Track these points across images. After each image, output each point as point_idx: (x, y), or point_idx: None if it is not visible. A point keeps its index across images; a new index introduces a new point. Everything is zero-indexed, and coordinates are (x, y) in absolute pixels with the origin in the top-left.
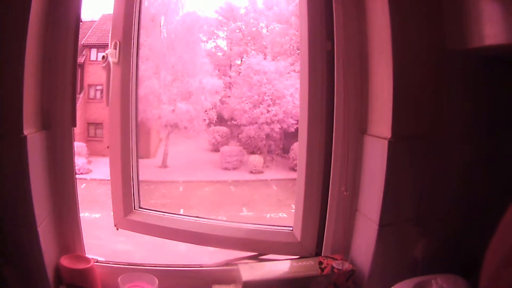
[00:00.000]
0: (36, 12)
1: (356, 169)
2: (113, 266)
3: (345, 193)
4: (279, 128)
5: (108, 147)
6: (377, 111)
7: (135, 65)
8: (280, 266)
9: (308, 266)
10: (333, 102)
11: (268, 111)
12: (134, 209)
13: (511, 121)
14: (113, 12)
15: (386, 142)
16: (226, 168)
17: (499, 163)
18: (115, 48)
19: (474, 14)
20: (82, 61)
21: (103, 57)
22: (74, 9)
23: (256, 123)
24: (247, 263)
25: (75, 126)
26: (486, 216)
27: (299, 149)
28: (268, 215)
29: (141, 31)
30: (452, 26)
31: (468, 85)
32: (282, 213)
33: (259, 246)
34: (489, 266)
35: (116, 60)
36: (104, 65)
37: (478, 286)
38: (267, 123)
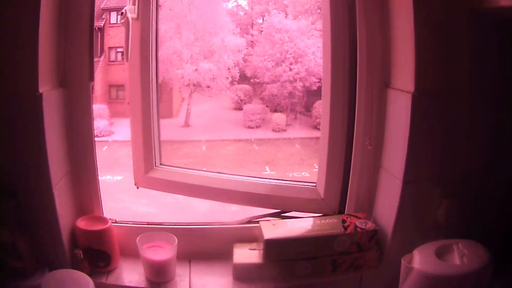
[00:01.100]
0: None
1: (380, 124)
2: (131, 226)
3: (369, 147)
4: (302, 86)
5: (128, 103)
6: (400, 65)
7: (155, 22)
8: (303, 224)
9: (331, 224)
10: (356, 56)
11: (290, 69)
12: (155, 166)
13: None
14: None
15: (410, 95)
16: (249, 127)
17: None
18: (133, 4)
19: None
20: (102, 25)
21: (122, 13)
22: None
23: (278, 81)
24: (269, 220)
25: (92, 80)
26: (500, 182)
27: (323, 104)
28: (290, 174)
29: None
30: None
31: (490, 47)
32: (305, 172)
33: (282, 203)
34: None
35: (135, 15)
36: (123, 21)
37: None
38: (289, 81)
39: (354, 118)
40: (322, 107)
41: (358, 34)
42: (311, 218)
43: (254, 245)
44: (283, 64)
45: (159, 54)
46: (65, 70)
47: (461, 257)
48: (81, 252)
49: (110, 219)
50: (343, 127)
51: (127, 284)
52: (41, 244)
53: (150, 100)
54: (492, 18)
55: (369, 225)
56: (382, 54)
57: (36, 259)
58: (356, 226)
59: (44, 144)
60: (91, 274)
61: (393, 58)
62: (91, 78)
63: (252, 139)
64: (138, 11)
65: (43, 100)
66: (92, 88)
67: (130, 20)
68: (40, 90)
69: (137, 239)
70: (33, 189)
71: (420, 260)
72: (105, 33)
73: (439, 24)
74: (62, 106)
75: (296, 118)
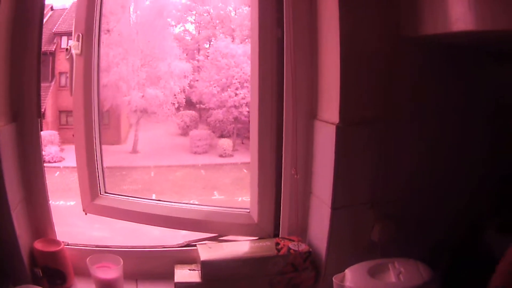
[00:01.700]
0: (3, 7)
1: (308, 153)
2: (81, 249)
3: (296, 176)
4: (247, 111)
5: (73, 135)
6: (326, 97)
7: (97, 56)
8: (238, 246)
9: (265, 247)
10: (283, 88)
11: (236, 94)
12: (100, 194)
13: (465, 107)
14: (76, 4)
15: (334, 127)
16: (196, 152)
17: (455, 147)
18: (77, 41)
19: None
20: (53, 49)
21: (67, 49)
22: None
23: (224, 106)
24: (206, 243)
25: (40, 117)
26: (446, 200)
27: (251, 133)
28: (240, 199)
29: (110, 19)
30: (407, 13)
31: (421, 71)
32: None
33: (219, 227)
34: None
35: (79, 52)
36: (67, 57)
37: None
38: (235, 107)
39: (282, 147)
40: (250, 136)
41: (285, 67)
42: (247, 241)
43: (193, 266)
44: (228, 89)
45: (107, 80)
46: (17, 105)
47: (397, 275)
48: (40, 270)
49: (63, 242)
50: (272, 155)
51: None
52: (4, 262)
53: (93, 129)
54: (422, 44)
55: (303, 247)
56: (309, 86)
57: (0, 275)
58: (289, 248)
59: (1, 173)
60: None
61: (319, 91)
62: (39, 114)
63: (199, 165)
64: (81, 48)
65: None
66: (43, 115)
67: (74, 56)
68: None
69: (87, 259)
70: None
71: (352, 278)
72: (56, 58)
73: (366, 55)
74: (15, 139)
75: (242, 143)
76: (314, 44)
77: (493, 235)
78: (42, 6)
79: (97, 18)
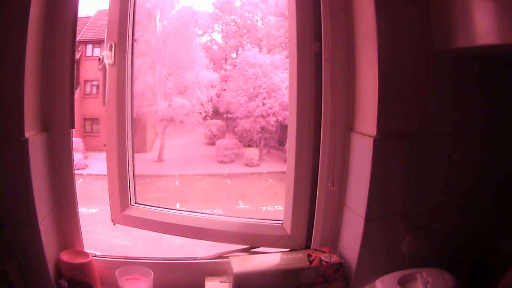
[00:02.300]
0: (35, 13)
1: (344, 165)
2: (110, 260)
3: (332, 188)
4: (275, 121)
5: (105, 145)
6: (364, 110)
7: (130, 65)
8: (270, 258)
9: (297, 259)
10: (321, 100)
11: (263, 104)
12: (131, 204)
13: (499, 120)
14: (108, 13)
15: (372, 139)
16: (222, 161)
17: (486, 161)
18: (110, 50)
19: (464, 13)
20: (78, 57)
21: (99, 59)
22: (71, 9)
23: (251, 116)
24: (238, 255)
25: (73, 127)
26: (471, 213)
27: (288, 145)
28: (264, 208)
29: (137, 28)
30: (439, 26)
31: (455, 84)
32: (278, 206)
33: (251, 239)
34: None
35: (112, 61)
36: (100, 66)
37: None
38: (262, 116)
39: (319, 158)
40: (287, 148)
41: (323, 80)
42: (279, 253)
43: (224, 278)
44: (256, 99)
45: (133, 89)
46: (48, 115)
47: (424, 284)
48: (65, 282)
49: (90, 253)
50: (308, 167)
51: None
52: (29, 274)
53: (126, 140)
54: (455, 57)
55: (334, 258)
56: (346, 99)
57: (25, 286)
58: (321, 260)
59: (31, 184)
60: None
61: (357, 103)
62: (72, 125)
63: (225, 174)
64: (114, 57)
65: (29, 144)
66: (74, 125)
67: (107, 65)
68: (26, 135)
69: (116, 272)
70: (21, 227)
71: None
72: (81, 66)
73: (402, 68)
74: (45, 149)
75: (269, 152)
76: (352, 57)
77: None
78: (75, 14)
79: (130, 26)
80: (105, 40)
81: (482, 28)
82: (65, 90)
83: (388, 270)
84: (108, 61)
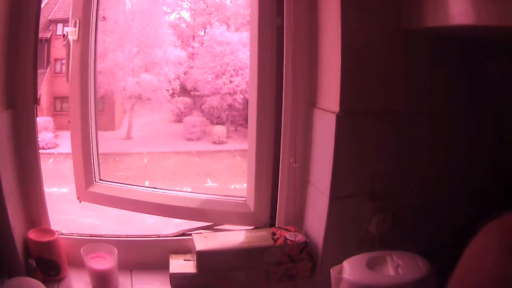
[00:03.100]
0: None
1: (307, 142)
2: (76, 238)
3: (294, 165)
4: (242, 99)
5: (69, 121)
6: (326, 86)
7: (94, 42)
8: (234, 236)
9: (261, 237)
10: (283, 76)
11: (230, 82)
12: (95, 181)
13: (471, 101)
14: None
15: (334, 116)
16: (189, 139)
17: (456, 140)
18: (74, 26)
19: None
20: (48, 36)
21: (64, 35)
22: None
23: (218, 93)
24: (201, 233)
25: (36, 104)
26: (445, 196)
27: (249, 121)
28: (232, 186)
29: (106, 6)
30: (409, 5)
31: (427, 64)
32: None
33: (214, 216)
34: None
35: (76, 38)
36: (64, 43)
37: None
38: (229, 94)
39: (281, 136)
40: (248, 124)
41: (284, 55)
42: (242, 231)
43: (188, 256)
44: (223, 76)
45: (102, 66)
46: (13, 91)
47: (395, 267)
48: (33, 261)
49: (57, 231)
50: (270, 143)
51: None
52: None
53: (89, 116)
54: (424, 36)
55: (299, 237)
56: (309, 75)
57: None
58: (286, 239)
59: None
60: (44, 282)
61: (319, 79)
62: (35, 101)
63: (193, 152)
64: (78, 34)
65: None
66: (38, 102)
67: (71, 42)
68: None
69: (81, 249)
70: None
71: (350, 270)
72: (51, 45)
73: (367, 45)
74: (11, 126)
75: (236, 130)
76: (314, 32)
77: None
78: None
79: (95, 4)
80: (70, 16)
81: (456, 7)
82: (29, 66)
83: (357, 252)
84: (72, 37)
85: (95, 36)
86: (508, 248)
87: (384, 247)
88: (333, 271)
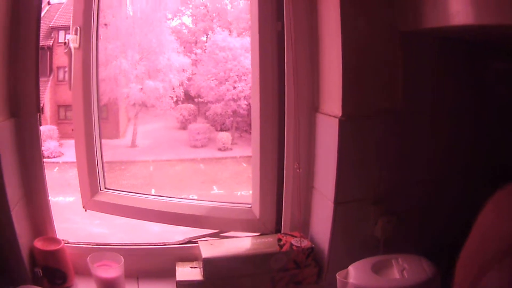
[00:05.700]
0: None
1: (310, 147)
2: (82, 247)
3: (298, 170)
4: (246, 105)
5: (72, 130)
6: (328, 90)
7: (96, 49)
8: (240, 243)
9: (267, 243)
10: (284, 81)
11: (234, 88)
12: (100, 189)
13: (471, 101)
14: None
15: (337, 120)
16: (194, 146)
17: (457, 140)
18: (76, 34)
19: None
20: (51, 44)
21: (65, 43)
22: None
23: (222, 100)
24: (207, 240)
25: (39, 112)
26: (449, 196)
27: (252, 128)
28: (239, 193)
29: (107, 12)
30: (407, 8)
31: (426, 65)
32: None
33: (220, 223)
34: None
35: (77, 45)
36: (66, 50)
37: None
38: (233, 100)
39: (284, 141)
40: (252, 130)
41: (286, 60)
42: (248, 237)
43: (195, 263)
44: (226, 82)
45: (105, 74)
46: (16, 100)
47: (400, 271)
48: (40, 270)
49: (62, 240)
50: (273, 149)
51: None
52: (4, 263)
53: (92, 124)
54: (423, 38)
55: (305, 243)
56: (311, 79)
57: (0, 276)
58: (291, 245)
59: (1, 170)
60: None
61: (321, 84)
62: (38, 109)
63: (198, 159)
64: (79, 41)
65: None
66: (42, 110)
67: (72, 49)
68: None
69: (88, 258)
70: None
71: (355, 275)
72: (53, 52)
73: (367, 48)
74: (14, 135)
75: (241, 136)
76: (315, 36)
77: None
78: (39, 0)
79: (95, 10)
80: (71, 24)
81: (455, 7)
82: (30, 74)
83: (362, 256)
84: (73, 45)
85: (97, 43)
86: None
87: (389, 250)
88: (339, 276)
